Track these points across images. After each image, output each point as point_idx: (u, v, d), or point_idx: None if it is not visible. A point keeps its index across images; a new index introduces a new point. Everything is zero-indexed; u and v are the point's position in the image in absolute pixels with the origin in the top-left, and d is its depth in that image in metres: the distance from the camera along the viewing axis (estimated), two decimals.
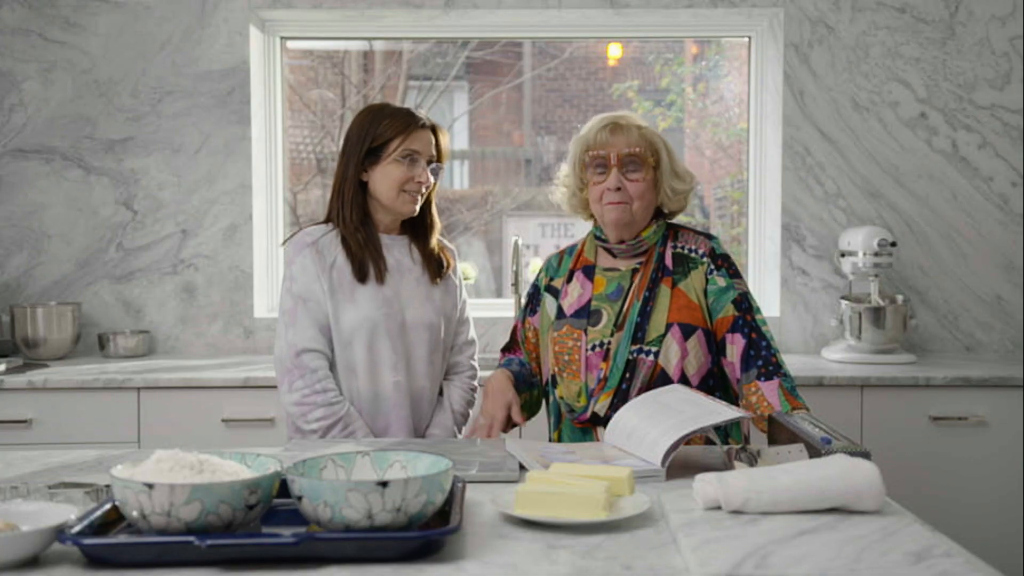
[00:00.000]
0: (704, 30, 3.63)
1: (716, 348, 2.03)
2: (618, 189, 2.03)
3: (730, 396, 2.06)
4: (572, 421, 2.05)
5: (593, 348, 2.03)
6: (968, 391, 2.90)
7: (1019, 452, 2.88)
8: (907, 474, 2.85)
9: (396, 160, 2.11)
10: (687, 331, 1.99)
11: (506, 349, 2.30)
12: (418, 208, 2.18)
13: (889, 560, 1.18)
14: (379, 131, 2.12)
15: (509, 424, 2.06)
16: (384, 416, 2.12)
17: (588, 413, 2.01)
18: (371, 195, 2.16)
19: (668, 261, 2.06)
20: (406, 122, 2.13)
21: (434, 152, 2.17)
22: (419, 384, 2.17)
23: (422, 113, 2.18)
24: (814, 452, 1.55)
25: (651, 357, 1.98)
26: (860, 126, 3.42)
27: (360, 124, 2.15)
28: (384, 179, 2.13)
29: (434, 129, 2.18)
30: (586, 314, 2.07)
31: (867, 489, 1.37)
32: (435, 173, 2.18)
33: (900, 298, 3.29)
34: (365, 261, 2.12)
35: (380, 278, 2.12)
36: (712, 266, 2.05)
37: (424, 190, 2.16)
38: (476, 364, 2.34)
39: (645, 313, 2.01)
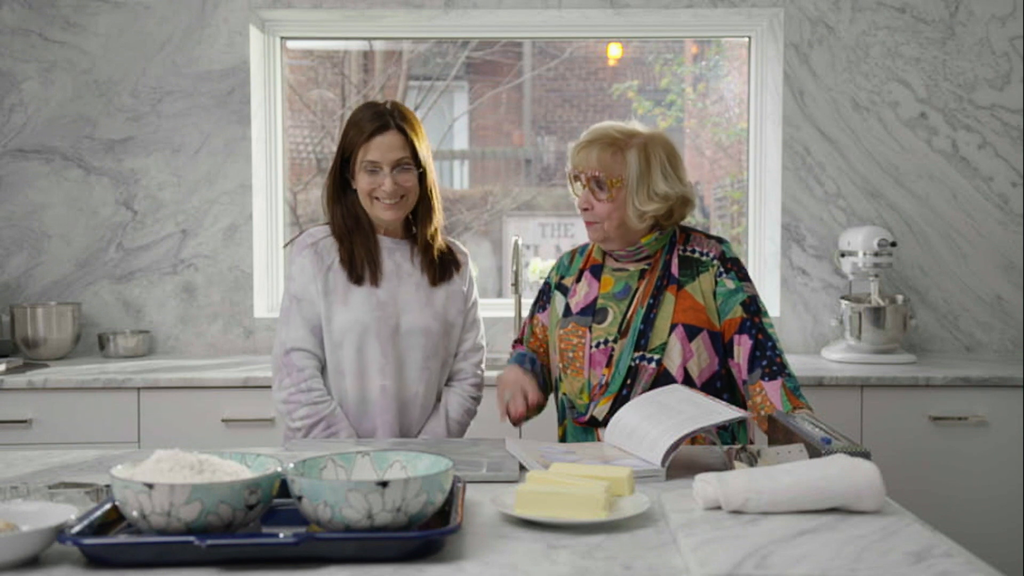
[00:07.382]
0: (704, 30, 3.63)
1: (724, 350, 2.03)
2: (585, 209, 2.04)
3: (737, 398, 2.06)
4: (572, 420, 2.05)
5: (597, 345, 2.04)
6: (968, 391, 2.90)
7: (1019, 452, 2.88)
8: (907, 474, 2.85)
9: (362, 171, 2.09)
10: (691, 332, 1.99)
11: (518, 341, 2.32)
12: (398, 214, 2.11)
13: (889, 560, 1.18)
14: (347, 141, 2.12)
15: (528, 408, 2.04)
16: (370, 419, 2.12)
17: (587, 416, 2.01)
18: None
19: (674, 269, 2.04)
20: (364, 130, 2.08)
21: (403, 154, 2.07)
22: (411, 390, 2.14)
23: (388, 107, 2.10)
24: (814, 452, 1.55)
25: (653, 364, 1.98)
26: (860, 126, 3.42)
27: (343, 129, 2.15)
28: (359, 188, 2.12)
29: (402, 129, 2.08)
30: (591, 312, 2.07)
31: (867, 489, 1.37)
32: (403, 173, 2.07)
33: (900, 298, 3.29)
34: (358, 264, 2.11)
35: (374, 281, 2.11)
36: (722, 268, 2.05)
37: (393, 198, 2.08)
38: (482, 371, 2.29)
39: (649, 320, 2.00)
